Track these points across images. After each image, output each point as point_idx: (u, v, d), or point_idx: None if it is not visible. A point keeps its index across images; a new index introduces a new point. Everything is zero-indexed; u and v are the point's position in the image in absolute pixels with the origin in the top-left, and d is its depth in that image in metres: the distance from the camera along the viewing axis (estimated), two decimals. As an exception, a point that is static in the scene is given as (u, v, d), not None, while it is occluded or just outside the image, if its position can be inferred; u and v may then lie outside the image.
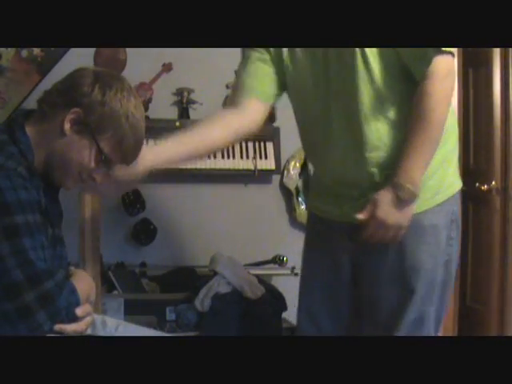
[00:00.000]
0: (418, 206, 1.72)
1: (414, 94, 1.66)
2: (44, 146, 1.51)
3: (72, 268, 1.62)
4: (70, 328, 1.43)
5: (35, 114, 1.55)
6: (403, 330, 1.77)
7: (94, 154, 1.51)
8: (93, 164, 1.52)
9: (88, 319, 1.49)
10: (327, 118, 1.79)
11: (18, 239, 1.36)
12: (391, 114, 1.73)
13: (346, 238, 1.84)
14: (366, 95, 1.72)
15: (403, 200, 1.67)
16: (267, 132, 3.43)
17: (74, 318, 1.44)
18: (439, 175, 1.79)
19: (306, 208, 3.25)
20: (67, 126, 1.49)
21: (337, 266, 1.89)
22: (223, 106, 3.54)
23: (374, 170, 1.76)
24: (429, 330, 1.79)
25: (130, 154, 1.55)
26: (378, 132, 1.74)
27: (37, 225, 1.42)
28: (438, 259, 1.78)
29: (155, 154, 1.74)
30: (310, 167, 3.17)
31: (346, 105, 1.76)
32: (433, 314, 1.80)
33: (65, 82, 1.53)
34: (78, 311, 1.44)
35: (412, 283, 1.76)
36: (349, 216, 1.77)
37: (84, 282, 1.54)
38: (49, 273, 1.40)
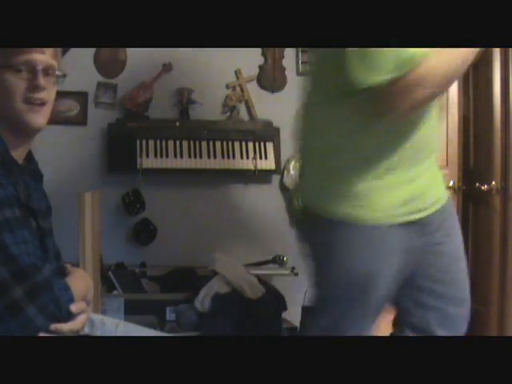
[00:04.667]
0: None
1: None
2: None
3: (68, 266, 1.62)
4: (67, 327, 1.43)
5: None
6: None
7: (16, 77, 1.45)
8: (24, 85, 1.45)
9: (83, 317, 1.49)
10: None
11: None
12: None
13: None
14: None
15: None
16: (267, 132, 3.44)
17: (69, 315, 1.43)
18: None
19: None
20: None
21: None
22: (223, 106, 3.56)
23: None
24: None
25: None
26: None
27: (17, 220, 1.40)
28: None
29: None
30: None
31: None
32: None
33: None
34: (73, 307, 1.44)
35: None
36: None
37: (81, 281, 1.54)
38: (34, 267, 1.39)
